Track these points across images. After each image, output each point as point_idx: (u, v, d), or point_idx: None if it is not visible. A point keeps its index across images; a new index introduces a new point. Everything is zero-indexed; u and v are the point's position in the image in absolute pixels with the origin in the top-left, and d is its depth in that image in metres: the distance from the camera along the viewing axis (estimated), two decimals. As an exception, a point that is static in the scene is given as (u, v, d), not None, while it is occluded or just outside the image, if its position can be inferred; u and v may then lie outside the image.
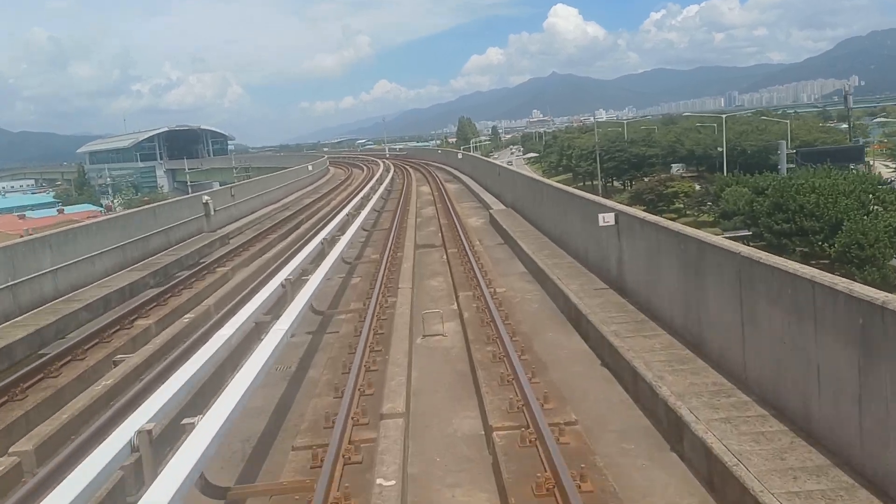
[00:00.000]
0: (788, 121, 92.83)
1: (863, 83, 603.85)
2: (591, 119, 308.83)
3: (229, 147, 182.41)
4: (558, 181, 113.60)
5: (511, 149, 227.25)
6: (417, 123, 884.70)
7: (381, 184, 44.11)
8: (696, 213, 64.73)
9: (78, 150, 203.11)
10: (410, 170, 67.13)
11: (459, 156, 69.44)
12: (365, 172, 68.24)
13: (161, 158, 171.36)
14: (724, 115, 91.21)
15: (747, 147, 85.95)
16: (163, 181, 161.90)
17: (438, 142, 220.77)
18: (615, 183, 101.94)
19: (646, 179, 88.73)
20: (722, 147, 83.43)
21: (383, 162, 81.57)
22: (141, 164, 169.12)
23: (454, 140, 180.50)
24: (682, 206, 68.92)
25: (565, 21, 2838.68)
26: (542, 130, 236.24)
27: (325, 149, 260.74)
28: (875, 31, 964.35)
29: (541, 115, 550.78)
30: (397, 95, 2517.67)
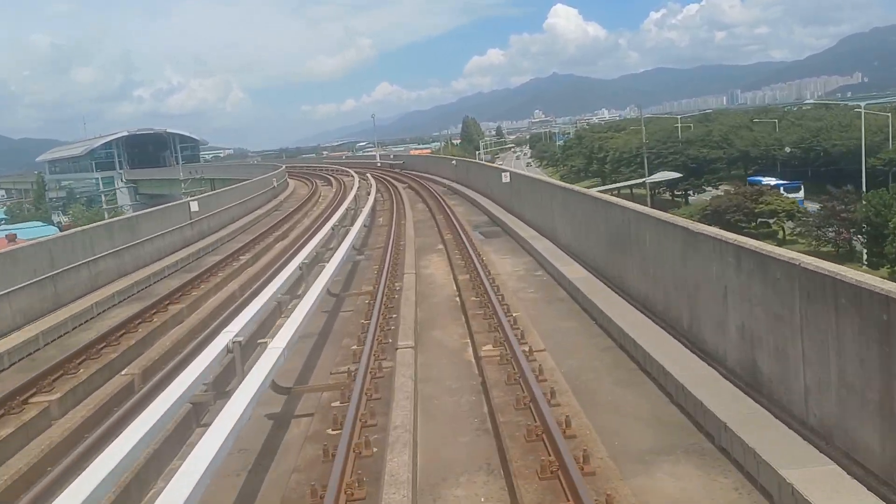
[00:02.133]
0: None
1: (866, 80, 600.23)
2: (594, 119, 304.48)
3: (204, 153, 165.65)
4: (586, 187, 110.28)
5: (515, 150, 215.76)
6: (420, 125, 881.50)
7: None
8: (812, 242, 48.16)
9: (38, 159, 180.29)
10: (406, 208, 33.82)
11: (454, 162, 51.89)
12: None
13: (121, 167, 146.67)
14: (791, 107, 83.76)
15: (829, 147, 69.81)
16: (124, 193, 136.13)
17: (441, 144, 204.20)
18: (665, 193, 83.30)
19: (718, 190, 72.68)
20: (787, 147, 72.43)
21: (354, 183, 45.99)
22: (97, 174, 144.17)
23: (458, 142, 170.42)
24: (778, 228, 53.79)
25: (566, 21, 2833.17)
26: (554, 131, 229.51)
27: (325, 152, 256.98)
28: (877, 28, 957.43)
29: (543, 116, 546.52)
30: (399, 97, 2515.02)
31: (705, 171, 77.89)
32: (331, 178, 63.58)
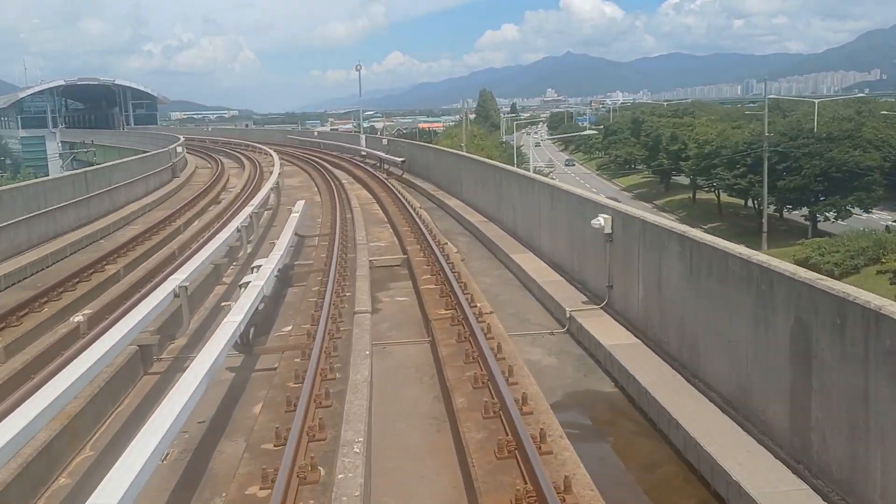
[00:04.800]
0: None
1: (884, 77, 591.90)
2: (608, 101, 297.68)
3: (208, 114, 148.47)
4: (634, 184, 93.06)
5: (528, 130, 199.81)
6: (429, 98, 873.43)
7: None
8: None
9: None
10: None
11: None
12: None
13: (56, 125, 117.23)
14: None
15: None
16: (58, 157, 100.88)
17: (456, 119, 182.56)
18: (788, 212, 62.10)
19: (872, 215, 56.92)
20: None
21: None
22: (23, 132, 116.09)
23: (473, 116, 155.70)
24: None
25: (582, 0, 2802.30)
26: (569, 110, 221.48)
27: (330, 119, 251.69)
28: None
29: (555, 94, 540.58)
30: (409, 68, 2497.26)
31: (853, 183, 53.77)
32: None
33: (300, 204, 19.94)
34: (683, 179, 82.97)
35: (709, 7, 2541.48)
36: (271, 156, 42.71)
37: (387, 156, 40.44)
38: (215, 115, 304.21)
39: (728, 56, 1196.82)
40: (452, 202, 26.35)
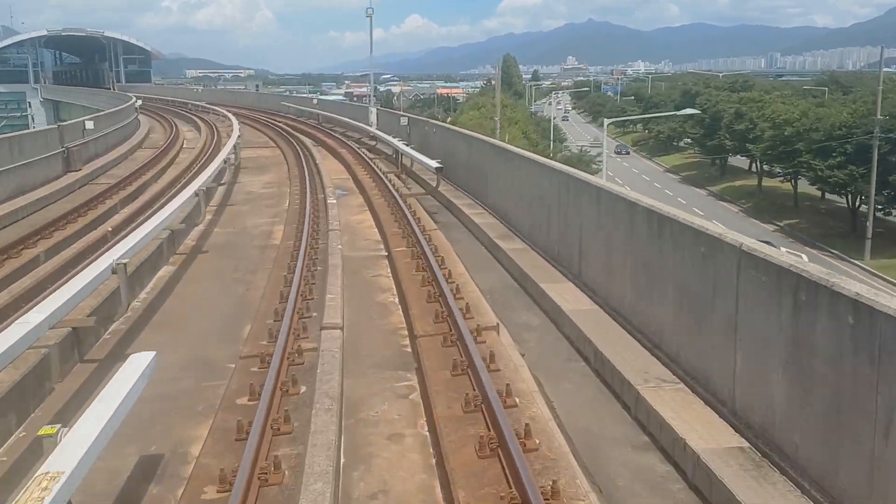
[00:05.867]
0: None
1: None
2: (629, 70, 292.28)
3: (225, 72, 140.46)
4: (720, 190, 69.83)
5: (551, 99, 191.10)
6: (446, 62, 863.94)
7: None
8: None
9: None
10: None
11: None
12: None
13: (38, 80, 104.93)
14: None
15: None
16: (41, 115, 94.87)
17: (477, 85, 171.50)
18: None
19: None
20: None
21: None
22: (0, 87, 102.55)
23: (483, 84, 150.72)
24: None
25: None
26: (591, 78, 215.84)
27: (347, 82, 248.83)
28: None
29: (576, 62, 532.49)
30: (428, 31, 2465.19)
31: None
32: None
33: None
34: (738, 161, 74.02)
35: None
36: (230, 128, 33.34)
37: (408, 149, 25.68)
38: (230, 74, 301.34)
39: (752, 28, 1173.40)
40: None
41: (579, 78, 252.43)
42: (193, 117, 51.72)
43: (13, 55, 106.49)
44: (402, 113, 39.56)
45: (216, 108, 56.06)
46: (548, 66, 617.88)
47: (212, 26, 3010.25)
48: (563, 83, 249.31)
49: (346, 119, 42.48)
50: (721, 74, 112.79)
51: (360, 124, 37.52)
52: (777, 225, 56.08)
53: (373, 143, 33.10)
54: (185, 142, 36.94)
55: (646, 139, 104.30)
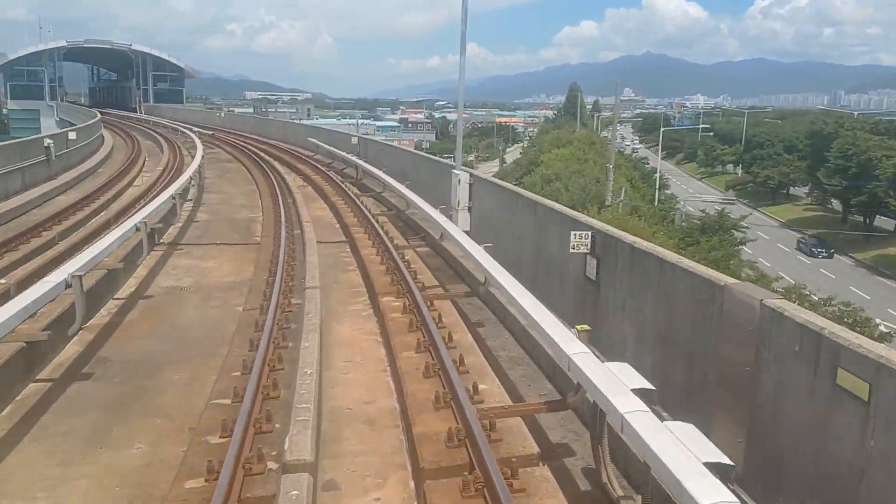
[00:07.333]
0: None
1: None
2: (687, 103, 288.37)
3: (282, 95, 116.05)
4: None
5: (623, 132, 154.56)
6: (502, 91, 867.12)
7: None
8: None
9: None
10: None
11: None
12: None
13: (55, 96, 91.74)
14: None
15: None
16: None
17: (540, 116, 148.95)
18: None
19: None
20: None
21: None
22: (12, 104, 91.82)
23: (550, 113, 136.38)
24: None
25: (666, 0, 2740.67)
26: (653, 111, 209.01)
27: (402, 107, 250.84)
28: None
29: (633, 95, 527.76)
30: (484, 60, 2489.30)
31: None
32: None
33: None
34: (886, 220, 62.57)
35: (798, 13, 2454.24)
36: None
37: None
38: (288, 97, 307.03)
39: (816, 64, 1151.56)
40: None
41: (639, 110, 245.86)
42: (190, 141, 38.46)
43: (26, 67, 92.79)
44: (474, 123, 28.02)
45: (221, 144, 43.18)
46: (604, 97, 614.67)
47: (273, 50, 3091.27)
48: (622, 114, 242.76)
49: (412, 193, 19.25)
50: (856, 114, 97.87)
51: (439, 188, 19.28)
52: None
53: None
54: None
55: (743, 183, 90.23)
